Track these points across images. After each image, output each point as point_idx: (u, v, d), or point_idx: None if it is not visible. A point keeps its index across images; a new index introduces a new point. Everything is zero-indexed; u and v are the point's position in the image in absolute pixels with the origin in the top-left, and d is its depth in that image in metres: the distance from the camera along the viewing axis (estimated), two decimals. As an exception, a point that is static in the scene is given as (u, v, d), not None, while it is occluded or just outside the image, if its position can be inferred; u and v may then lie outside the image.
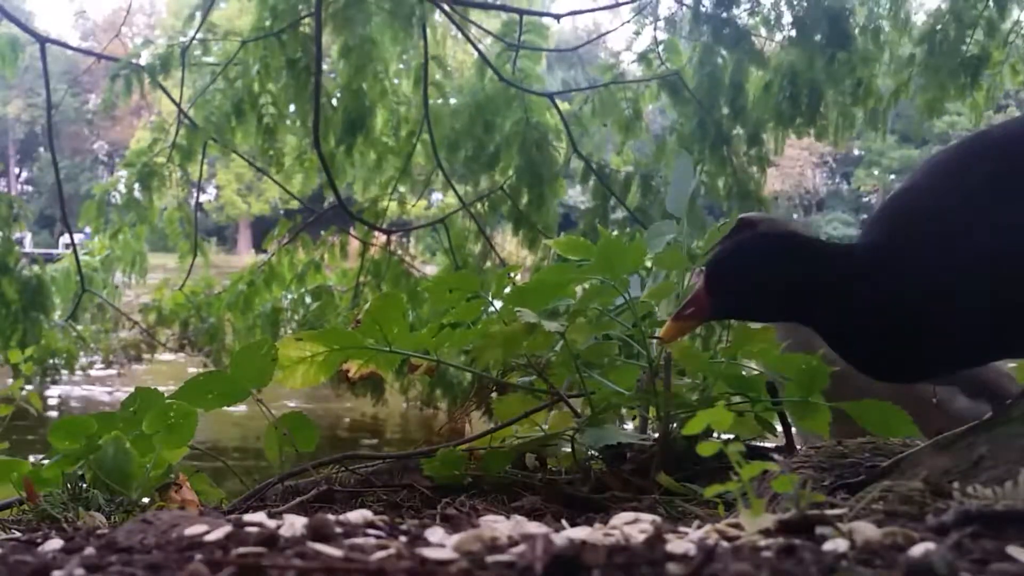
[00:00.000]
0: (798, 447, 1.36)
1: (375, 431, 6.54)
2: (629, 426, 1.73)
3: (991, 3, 4.74)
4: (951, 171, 0.98)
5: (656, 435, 1.39)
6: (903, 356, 0.98)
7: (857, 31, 4.80)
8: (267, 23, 5.17)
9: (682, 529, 0.73)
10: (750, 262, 1.01)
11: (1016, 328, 0.94)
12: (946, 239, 0.92)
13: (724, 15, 4.86)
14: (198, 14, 5.33)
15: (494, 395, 1.59)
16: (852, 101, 4.90)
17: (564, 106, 5.24)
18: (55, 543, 0.76)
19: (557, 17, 5.78)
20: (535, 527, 0.70)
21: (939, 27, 4.80)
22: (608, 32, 7.90)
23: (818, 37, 4.74)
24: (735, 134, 4.91)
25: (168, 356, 6.43)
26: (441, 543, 0.66)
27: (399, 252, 5.53)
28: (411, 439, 6.04)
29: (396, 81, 5.62)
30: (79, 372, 6.16)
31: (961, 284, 0.91)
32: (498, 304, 1.47)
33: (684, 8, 5.06)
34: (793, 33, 4.82)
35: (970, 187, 0.94)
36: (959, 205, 0.93)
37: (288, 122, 5.55)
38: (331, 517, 0.72)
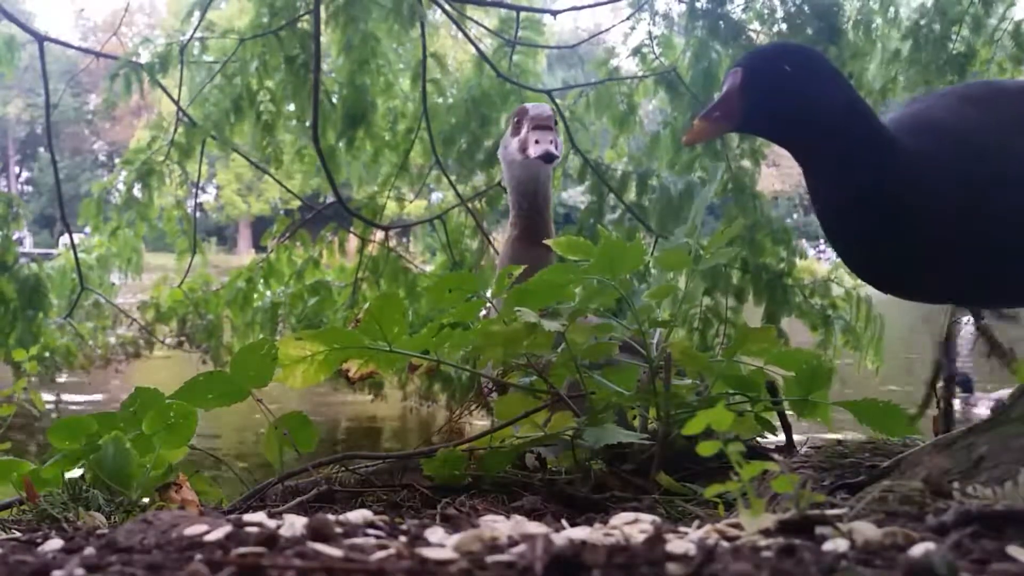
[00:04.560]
0: None
1: (373, 432, 6.53)
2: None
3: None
4: (981, 108, 0.99)
5: (656, 435, 1.39)
6: (902, 258, 0.98)
7: (848, 25, 4.80)
8: (265, 20, 5.17)
9: (682, 529, 0.73)
10: (799, 71, 0.92)
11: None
12: (979, 162, 0.94)
13: (719, 10, 4.85)
14: (197, 12, 5.32)
15: (493, 395, 1.58)
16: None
17: (560, 102, 5.23)
18: (55, 543, 0.76)
19: (554, 14, 5.76)
20: (535, 527, 0.70)
21: (923, 22, 4.79)
22: (606, 30, 7.88)
23: (809, 31, 4.73)
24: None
25: (158, 353, 6.35)
26: (441, 543, 0.66)
27: (397, 249, 5.52)
28: (410, 439, 6.03)
29: (400, 79, 5.61)
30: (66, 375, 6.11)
31: (981, 208, 0.93)
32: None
33: (680, 3, 5.05)
34: (785, 27, 4.81)
35: (1000, 122, 0.96)
36: (990, 135, 0.95)
37: (286, 120, 5.54)
38: (331, 517, 0.72)
